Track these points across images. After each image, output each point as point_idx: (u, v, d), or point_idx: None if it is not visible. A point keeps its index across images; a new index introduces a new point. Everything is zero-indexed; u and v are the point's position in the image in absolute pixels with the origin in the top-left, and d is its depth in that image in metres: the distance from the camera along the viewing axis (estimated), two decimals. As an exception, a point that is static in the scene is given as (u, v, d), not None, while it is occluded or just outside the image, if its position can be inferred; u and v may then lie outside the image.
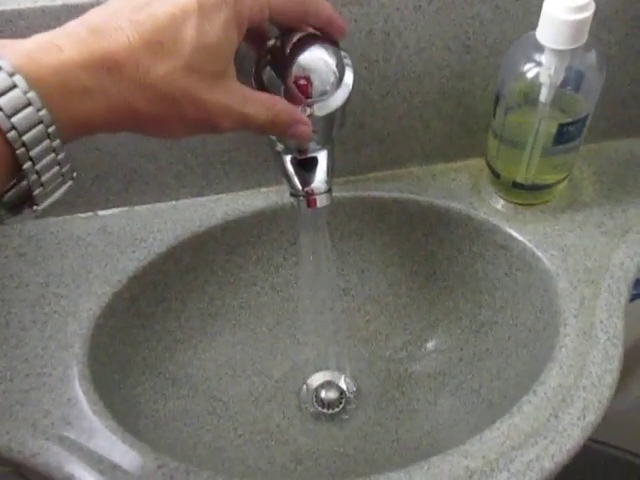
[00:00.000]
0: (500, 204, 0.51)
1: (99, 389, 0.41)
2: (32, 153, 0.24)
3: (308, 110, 0.36)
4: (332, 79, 0.36)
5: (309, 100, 0.36)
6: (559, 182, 0.48)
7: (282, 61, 0.35)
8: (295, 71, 0.35)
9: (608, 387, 0.39)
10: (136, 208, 0.52)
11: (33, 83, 0.24)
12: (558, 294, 0.45)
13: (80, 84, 0.25)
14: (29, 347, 0.43)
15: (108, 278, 0.46)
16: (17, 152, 0.24)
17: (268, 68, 0.36)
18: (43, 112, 0.24)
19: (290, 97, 0.35)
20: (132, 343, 0.48)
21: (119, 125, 0.28)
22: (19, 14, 0.38)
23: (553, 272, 0.46)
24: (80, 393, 0.40)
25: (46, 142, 0.25)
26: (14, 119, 0.23)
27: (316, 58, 0.36)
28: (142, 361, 0.49)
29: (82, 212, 0.51)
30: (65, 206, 0.51)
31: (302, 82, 0.35)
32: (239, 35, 0.30)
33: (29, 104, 0.24)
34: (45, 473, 0.36)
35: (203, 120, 0.30)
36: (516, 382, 0.47)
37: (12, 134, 0.23)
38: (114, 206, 0.51)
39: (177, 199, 0.52)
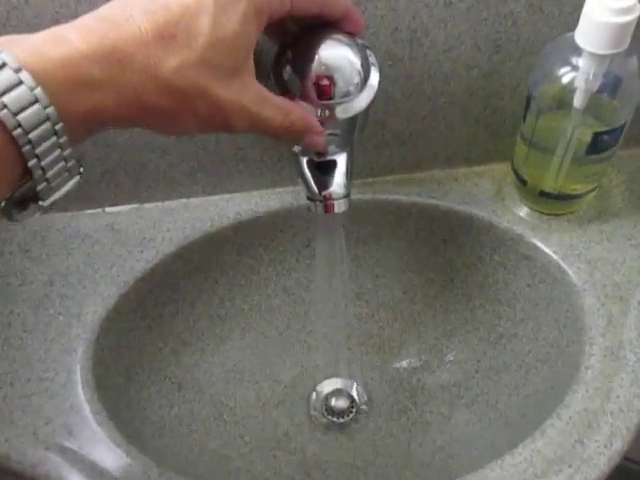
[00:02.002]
0: (524, 212, 0.48)
1: (103, 395, 0.40)
2: (38, 150, 0.23)
3: (328, 112, 0.34)
4: (356, 80, 0.34)
5: (331, 102, 0.34)
6: (588, 193, 0.46)
7: (304, 58, 0.33)
8: (317, 70, 0.33)
9: (637, 413, 0.37)
10: (146, 205, 0.50)
11: (39, 78, 0.22)
12: (584, 310, 0.43)
13: (88, 76, 0.24)
14: (31, 350, 0.41)
15: (114, 279, 0.45)
16: (23, 150, 0.23)
17: (289, 66, 0.34)
18: (50, 110, 0.23)
19: (311, 98, 0.33)
20: (138, 346, 0.46)
21: (129, 120, 0.26)
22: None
23: (579, 286, 0.44)
24: (83, 400, 0.39)
25: (52, 139, 0.24)
26: (20, 117, 0.22)
27: (340, 56, 0.33)
28: (148, 364, 0.47)
29: (90, 208, 0.49)
30: (72, 201, 0.49)
31: (324, 82, 0.33)
32: (258, 29, 0.28)
33: (36, 101, 0.22)
34: (45, 485, 0.35)
35: (216, 118, 0.28)
36: (535, 400, 0.45)
37: (18, 132, 0.22)
38: (123, 203, 0.49)
39: (188, 197, 0.50)
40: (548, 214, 0.48)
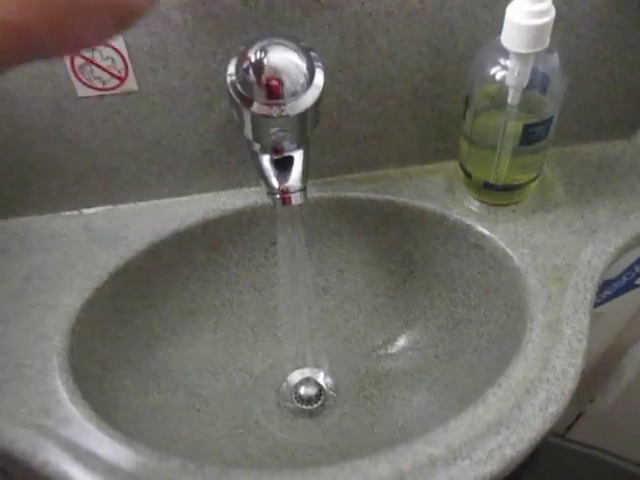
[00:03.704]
0: (473, 204, 0.52)
1: (78, 381, 0.42)
2: None
3: (279, 110, 0.38)
4: (302, 80, 0.38)
5: (281, 100, 0.38)
6: (529, 182, 0.50)
7: (256, 63, 0.37)
8: (267, 72, 0.37)
9: (571, 380, 0.40)
10: (119, 207, 0.53)
11: None
12: (527, 291, 0.46)
13: None
14: (9, 338, 0.44)
15: (89, 274, 0.48)
16: None
17: (242, 71, 0.38)
18: None
19: (264, 96, 0.37)
20: (113, 338, 0.49)
21: None
22: None
23: (523, 270, 0.48)
24: (59, 384, 0.41)
25: None
26: None
27: (287, 61, 0.37)
28: (123, 356, 0.50)
29: (66, 210, 0.53)
30: (50, 205, 0.52)
31: (274, 83, 0.37)
32: None
33: None
34: (22, 460, 0.37)
35: None
36: (486, 378, 0.48)
37: None
38: (97, 205, 0.53)
39: (159, 198, 0.53)
40: (494, 204, 0.51)
